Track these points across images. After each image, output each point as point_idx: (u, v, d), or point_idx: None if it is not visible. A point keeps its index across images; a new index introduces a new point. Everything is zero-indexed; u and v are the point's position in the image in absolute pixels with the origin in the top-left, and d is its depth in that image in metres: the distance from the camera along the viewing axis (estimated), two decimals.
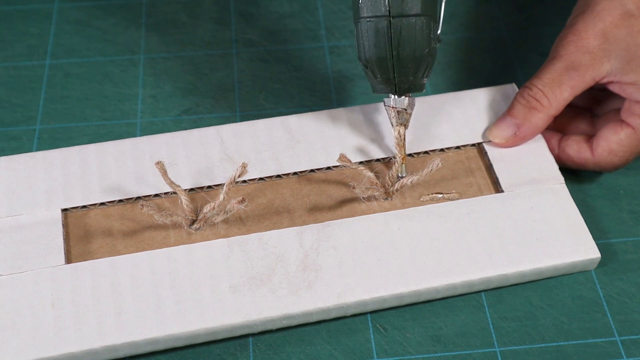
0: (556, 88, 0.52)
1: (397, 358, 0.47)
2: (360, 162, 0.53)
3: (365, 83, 0.61)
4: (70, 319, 0.46)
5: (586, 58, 0.51)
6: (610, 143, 0.52)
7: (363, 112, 0.55)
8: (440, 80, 0.61)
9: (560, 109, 0.52)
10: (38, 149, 0.57)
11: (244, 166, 0.49)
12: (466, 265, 0.48)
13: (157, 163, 0.49)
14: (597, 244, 0.51)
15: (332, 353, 0.47)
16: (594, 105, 0.56)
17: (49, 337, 0.45)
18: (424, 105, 0.56)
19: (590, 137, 0.53)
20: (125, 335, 0.46)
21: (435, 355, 0.47)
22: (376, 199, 0.52)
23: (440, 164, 0.51)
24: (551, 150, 0.54)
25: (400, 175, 0.52)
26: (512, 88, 0.57)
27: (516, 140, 0.53)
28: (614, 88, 0.52)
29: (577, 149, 0.53)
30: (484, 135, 0.54)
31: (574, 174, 0.55)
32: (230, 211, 0.49)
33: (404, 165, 0.52)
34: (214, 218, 0.50)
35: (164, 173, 0.49)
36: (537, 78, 0.52)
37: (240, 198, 0.49)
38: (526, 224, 0.50)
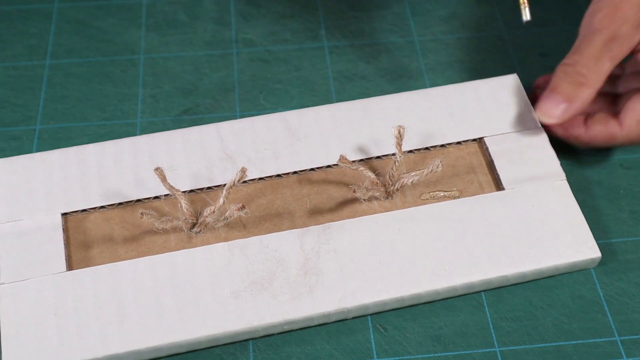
0: (598, 61, 0.52)
1: (397, 358, 0.47)
2: (361, 160, 0.53)
3: (366, 83, 0.61)
4: (73, 327, 0.46)
5: (624, 29, 0.52)
6: (638, 113, 0.52)
7: (363, 107, 0.55)
8: (440, 81, 0.61)
9: (603, 82, 0.53)
10: (38, 149, 0.57)
11: (243, 171, 0.49)
12: (467, 266, 0.48)
13: (156, 169, 0.49)
14: (598, 244, 0.51)
15: (332, 353, 0.47)
16: (609, 87, 0.56)
17: (53, 346, 0.45)
18: (425, 99, 0.55)
19: (615, 114, 0.54)
20: (129, 344, 0.46)
21: (435, 355, 0.47)
22: (377, 199, 0.52)
23: (440, 164, 0.51)
24: (578, 131, 0.54)
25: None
26: (513, 79, 0.56)
27: (568, 115, 0.53)
28: None
29: (604, 125, 0.53)
30: (485, 129, 0.54)
31: (574, 174, 0.55)
32: (230, 217, 0.49)
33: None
34: (214, 224, 0.50)
35: (164, 179, 0.49)
36: (577, 54, 0.53)
37: (240, 205, 0.49)
38: (527, 223, 0.50)
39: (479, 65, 0.62)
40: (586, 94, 0.52)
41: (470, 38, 0.64)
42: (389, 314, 0.49)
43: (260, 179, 0.52)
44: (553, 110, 0.53)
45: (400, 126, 0.51)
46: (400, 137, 0.51)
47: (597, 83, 0.52)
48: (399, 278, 0.48)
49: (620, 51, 0.52)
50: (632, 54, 0.53)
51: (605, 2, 0.53)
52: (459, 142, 0.54)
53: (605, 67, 0.52)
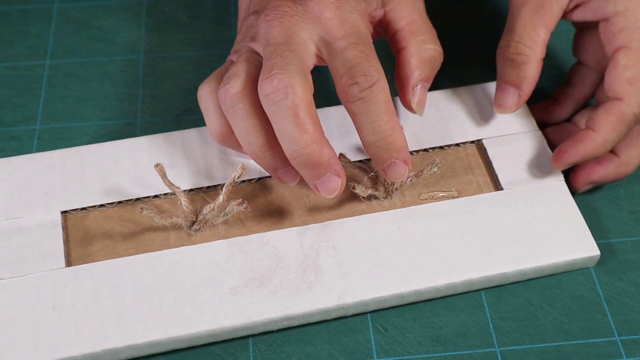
0: (532, 33, 0.51)
1: (397, 358, 0.47)
2: (360, 161, 0.53)
3: None
4: (72, 322, 0.46)
5: None
6: (623, 69, 0.51)
7: None
8: (440, 80, 0.61)
9: (544, 50, 0.52)
10: (38, 149, 0.57)
11: (243, 168, 0.49)
12: (466, 263, 0.49)
13: (157, 165, 0.49)
14: (597, 244, 0.51)
15: (332, 353, 0.47)
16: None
17: (51, 340, 0.45)
18: None
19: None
20: (127, 338, 0.45)
21: (435, 355, 0.47)
22: (376, 198, 0.52)
23: (439, 163, 0.51)
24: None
25: None
26: None
27: (522, 100, 0.53)
28: (584, 14, 0.52)
29: (590, 110, 0.54)
30: (483, 131, 0.54)
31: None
32: (230, 213, 0.49)
33: None
34: (213, 220, 0.50)
35: (164, 175, 0.49)
36: (510, 32, 0.52)
37: (240, 200, 0.49)
38: (526, 222, 0.50)
39: (479, 65, 0.62)
40: (531, 71, 0.52)
41: (470, 38, 0.64)
42: (389, 313, 0.49)
43: (260, 179, 0.53)
44: (506, 101, 0.52)
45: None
46: None
47: (538, 55, 0.51)
48: (398, 275, 0.48)
49: (552, 15, 0.51)
50: (564, 15, 0.52)
51: None
52: (457, 144, 0.54)
53: (541, 36, 0.51)
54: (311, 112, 0.46)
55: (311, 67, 0.48)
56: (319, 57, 0.48)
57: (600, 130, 0.50)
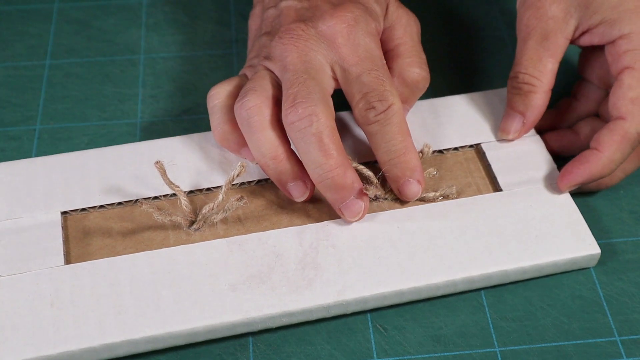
0: (538, 64, 0.52)
1: (397, 358, 0.47)
2: (359, 163, 0.53)
3: None
4: (70, 317, 0.46)
5: (550, 24, 0.52)
6: (628, 89, 0.51)
7: None
8: (440, 80, 0.61)
9: (552, 80, 0.53)
10: (38, 149, 0.57)
11: (242, 166, 0.49)
12: (466, 261, 0.49)
13: (157, 163, 0.49)
14: (598, 244, 0.51)
15: (332, 353, 0.47)
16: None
17: (49, 335, 0.45)
18: (423, 108, 0.56)
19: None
20: (125, 334, 0.46)
21: (435, 355, 0.47)
22: (377, 199, 0.52)
23: (436, 173, 0.52)
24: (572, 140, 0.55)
25: None
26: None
27: (527, 128, 0.54)
28: (591, 39, 0.53)
29: (598, 122, 0.54)
30: (482, 136, 0.55)
31: None
32: (229, 209, 0.49)
33: None
34: (213, 217, 0.50)
35: (164, 173, 0.49)
36: (517, 64, 0.53)
37: (239, 195, 0.49)
38: (525, 222, 0.50)
39: (479, 66, 0.62)
40: (537, 100, 0.53)
41: (470, 38, 0.64)
42: (388, 313, 0.49)
43: (259, 181, 0.53)
44: (510, 127, 0.54)
45: (427, 145, 0.52)
46: (422, 154, 0.52)
47: (545, 85, 0.52)
48: (398, 272, 0.48)
49: (557, 46, 0.52)
50: (571, 42, 0.53)
51: (526, 6, 0.53)
52: (456, 148, 0.55)
53: (548, 66, 0.52)
54: (334, 138, 0.48)
55: (331, 91, 0.50)
56: (335, 80, 0.50)
57: (605, 150, 0.50)
